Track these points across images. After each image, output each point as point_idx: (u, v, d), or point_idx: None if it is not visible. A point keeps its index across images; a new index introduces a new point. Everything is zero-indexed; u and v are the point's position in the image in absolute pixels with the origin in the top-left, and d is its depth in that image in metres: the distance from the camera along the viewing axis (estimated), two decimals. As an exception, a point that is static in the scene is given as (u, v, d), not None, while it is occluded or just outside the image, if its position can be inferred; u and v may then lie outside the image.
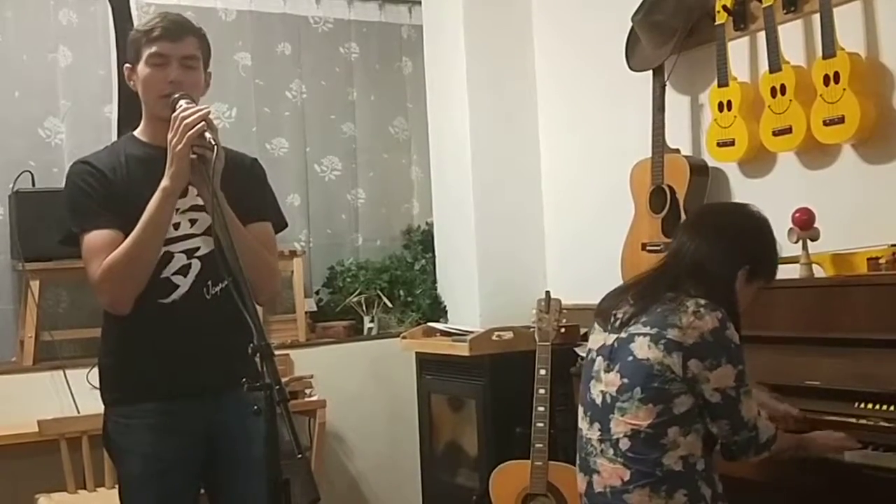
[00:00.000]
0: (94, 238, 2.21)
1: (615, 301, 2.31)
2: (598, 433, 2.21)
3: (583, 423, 2.28)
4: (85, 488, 3.49)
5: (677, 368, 2.10)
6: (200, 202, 2.26)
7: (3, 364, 3.94)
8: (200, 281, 2.27)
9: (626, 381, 2.16)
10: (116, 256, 2.17)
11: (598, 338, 2.31)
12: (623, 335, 2.21)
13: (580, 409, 2.32)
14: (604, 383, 2.22)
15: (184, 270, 2.26)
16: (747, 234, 2.31)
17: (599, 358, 2.27)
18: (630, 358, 2.16)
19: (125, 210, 2.21)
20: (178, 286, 2.26)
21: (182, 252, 2.26)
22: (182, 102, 2.19)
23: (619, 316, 2.25)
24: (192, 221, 2.28)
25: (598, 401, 2.23)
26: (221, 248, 2.03)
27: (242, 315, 2.22)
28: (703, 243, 2.26)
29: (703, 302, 2.13)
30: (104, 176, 2.26)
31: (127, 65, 2.33)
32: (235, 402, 2.24)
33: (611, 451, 2.17)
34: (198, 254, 2.28)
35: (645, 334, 2.15)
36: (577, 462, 2.29)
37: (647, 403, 2.12)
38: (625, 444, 2.14)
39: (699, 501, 2.11)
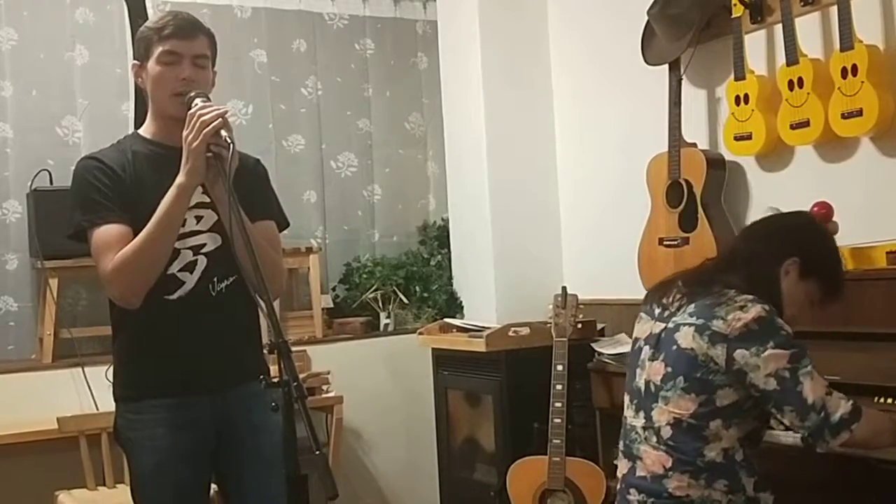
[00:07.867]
0: (105, 232, 2.21)
1: (665, 289, 2.31)
2: (643, 421, 2.21)
3: (628, 412, 2.29)
4: (104, 485, 3.51)
5: (721, 360, 2.09)
6: (207, 199, 2.26)
7: (22, 361, 3.97)
8: (206, 277, 2.27)
9: (669, 369, 2.16)
10: (129, 251, 2.17)
11: (645, 327, 2.31)
12: (670, 325, 2.21)
13: (626, 398, 2.32)
14: (648, 372, 2.23)
15: (190, 267, 2.26)
16: (793, 226, 2.35)
17: (646, 347, 2.27)
18: (674, 347, 2.16)
19: (133, 207, 2.21)
20: (184, 282, 2.26)
21: (188, 248, 2.26)
22: (198, 101, 2.18)
23: (667, 304, 2.26)
24: (199, 218, 2.28)
25: (643, 389, 2.24)
26: (234, 246, 2.03)
27: (247, 311, 2.21)
28: (752, 235, 2.37)
29: (751, 297, 2.12)
30: (114, 172, 2.25)
31: (135, 62, 2.33)
32: (241, 396, 2.27)
33: (654, 439, 2.17)
34: (204, 250, 2.28)
35: (690, 324, 2.15)
36: (621, 448, 2.29)
37: (689, 393, 2.12)
38: (667, 433, 2.14)
39: (739, 491, 2.10)
